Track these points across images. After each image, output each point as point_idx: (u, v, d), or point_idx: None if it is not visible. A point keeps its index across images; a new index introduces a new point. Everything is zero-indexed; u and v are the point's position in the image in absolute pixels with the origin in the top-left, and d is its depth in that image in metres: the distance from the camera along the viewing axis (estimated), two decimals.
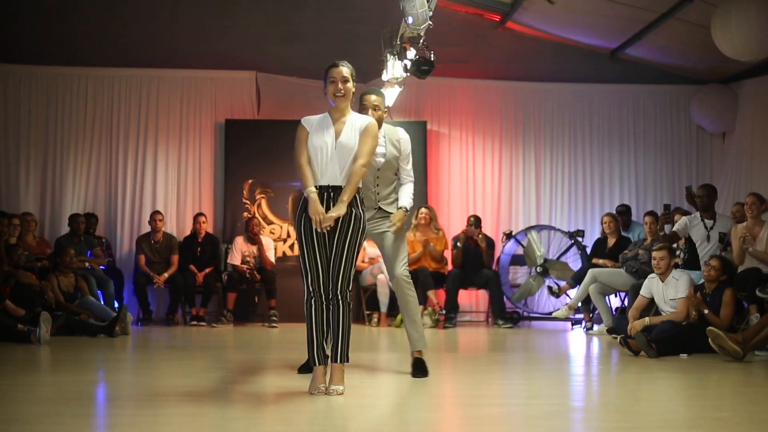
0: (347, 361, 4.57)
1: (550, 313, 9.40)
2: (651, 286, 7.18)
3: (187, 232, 9.82)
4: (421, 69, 7.11)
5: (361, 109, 5.22)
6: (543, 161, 10.47)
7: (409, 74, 7.47)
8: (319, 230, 4.48)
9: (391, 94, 8.90)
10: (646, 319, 6.95)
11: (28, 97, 9.99)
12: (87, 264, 8.97)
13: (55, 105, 10.02)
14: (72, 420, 3.91)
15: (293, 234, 9.93)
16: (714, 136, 10.48)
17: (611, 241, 8.99)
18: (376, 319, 9.26)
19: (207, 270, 9.43)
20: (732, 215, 7.91)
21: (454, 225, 10.13)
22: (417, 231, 9.42)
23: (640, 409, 4.38)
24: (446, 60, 9.01)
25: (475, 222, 9.63)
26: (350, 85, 4.66)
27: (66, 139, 10.01)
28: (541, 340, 8.37)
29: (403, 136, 5.39)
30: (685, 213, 8.38)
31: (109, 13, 10.12)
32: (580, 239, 9.76)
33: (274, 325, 9.04)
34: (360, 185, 4.63)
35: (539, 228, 10.05)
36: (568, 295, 9.24)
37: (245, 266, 9.38)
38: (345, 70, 4.64)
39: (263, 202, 10.00)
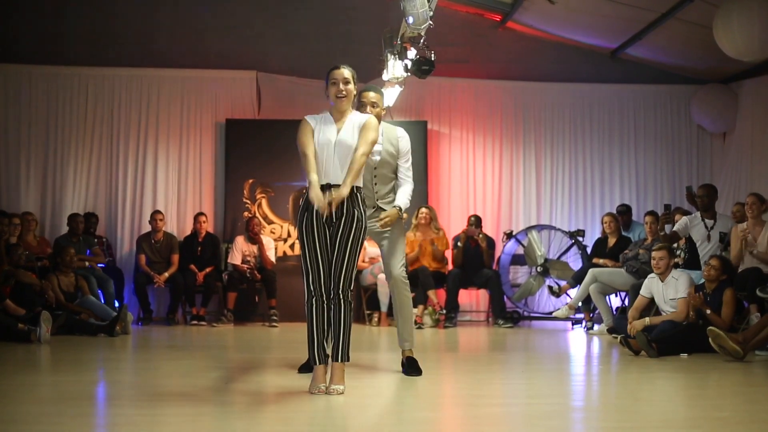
0: (348, 361, 4.58)
1: (551, 313, 9.40)
2: (651, 286, 7.18)
3: (188, 232, 9.82)
4: (421, 69, 7.11)
5: (360, 106, 5.21)
6: (543, 161, 10.48)
7: (409, 74, 7.47)
8: (321, 215, 4.47)
9: (391, 94, 8.90)
10: (647, 319, 6.96)
11: (28, 97, 10.00)
12: (86, 263, 8.97)
13: (55, 105, 10.03)
14: (72, 420, 3.91)
15: (293, 233, 9.93)
16: (714, 136, 10.48)
17: (611, 241, 8.99)
18: (376, 319, 9.26)
19: (207, 269, 9.43)
20: (732, 215, 7.91)
21: (454, 225, 10.14)
22: (417, 231, 9.42)
23: (640, 409, 4.38)
24: (447, 60, 9.02)
25: (476, 222, 9.63)
26: (351, 86, 4.68)
27: (66, 139, 10.02)
28: (541, 339, 8.37)
29: (402, 135, 5.37)
30: (686, 213, 8.38)
31: (108, 12, 10.13)
32: (580, 239, 9.76)
33: (275, 324, 9.04)
34: (360, 184, 4.64)
35: (539, 228, 10.05)
36: (568, 294, 9.24)
37: (245, 266, 9.38)
38: (346, 72, 4.66)
39: (264, 202, 10.00)
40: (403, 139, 5.35)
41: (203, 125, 10.22)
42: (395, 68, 7.63)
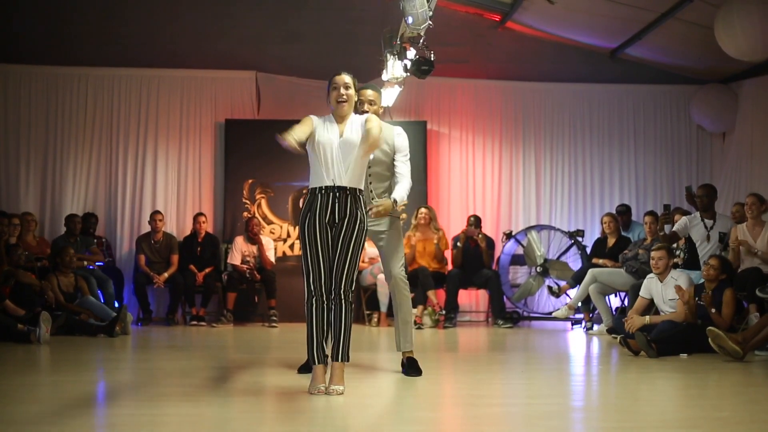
0: (347, 361, 4.58)
1: (550, 313, 9.40)
2: (650, 286, 7.18)
3: (187, 232, 9.82)
4: (421, 69, 7.10)
5: (357, 104, 5.21)
6: (543, 161, 10.48)
7: (409, 74, 7.47)
8: (324, 216, 4.50)
9: (391, 94, 8.90)
10: (647, 317, 6.96)
11: (28, 97, 10.00)
12: (85, 262, 8.97)
13: (55, 105, 10.03)
14: (72, 420, 3.91)
15: (293, 234, 9.93)
16: (714, 136, 10.49)
17: (611, 241, 8.99)
18: (376, 319, 9.26)
19: (207, 270, 9.43)
20: (732, 215, 7.91)
21: (454, 225, 10.14)
22: (417, 231, 9.42)
23: (639, 409, 4.38)
24: (446, 60, 9.02)
25: (475, 222, 9.63)
26: (352, 92, 4.70)
27: (66, 139, 10.02)
28: (541, 340, 8.37)
29: (399, 132, 5.32)
30: (685, 213, 8.38)
31: (109, 13, 10.13)
32: (580, 239, 9.76)
33: (274, 325, 9.04)
34: (362, 186, 4.65)
35: (539, 228, 10.05)
36: (568, 294, 9.24)
37: (245, 266, 9.38)
38: (347, 77, 4.70)
39: (263, 202, 10.00)
40: (400, 136, 5.32)
41: (203, 125, 10.22)
42: (395, 68, 7.63)
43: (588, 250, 9.43)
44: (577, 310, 8.92)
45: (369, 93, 5.28)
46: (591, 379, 5.85)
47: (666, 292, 7.03)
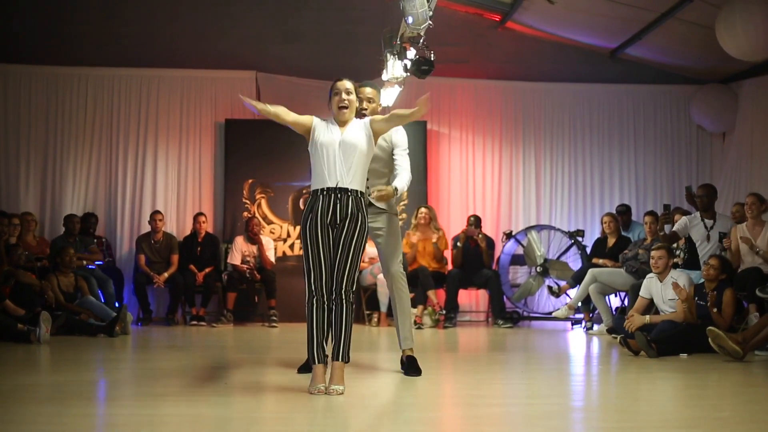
0: (348, 361, 4.59)
1: (550, 313, 9.40)
2: (650, 286, 7.18)
3: (187, 232, 9.82)
4: (421, 69, 7.10)
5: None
6: (543, 161, 10.48)
7: (409, 74, 7.47)
8: (325, 217, 4.53)
9: (391, 94, 8.89)
10: (647, 317, 6.96)
11: (28, 97, 10.00)
12: (84, 261, 8.96)
13: (55, 105, 10.03)
14: (72, 420, 3.91)
15: (293, 234, 9.94)
16: (714, 136, 10.49)
17: (611, 241, 8.99)
18: (376, 319, 9.26)
19: (207, 270, 9.43)
20: (732, 215, 7.91)
21: (454, 225, 10.14)
22: (417, 231, 9.42)
23: (639, 409, 4.38)
24: (446, 60, 9.02)
25: (475, 222, 9.63)
26: (353, 97, 4.74)
27: (66, 139, 10.02)
28: (541, 340, 8.37)
29: (397, 128, 5.31)
30: (685, 213, 8.38)
31: (109, 13, 10.13)
32: (580, 239, 9.76)
33: (274, 324, 9.04)
34: (364, 189, 4.66)
35: (539, 228, 10.05)
36: (568, 294, 9.24)
37: (245, 266, 9.38)
38: (348, 83, 4.74)
39: (263, 202, 10.01)
40: (397, 132, 5.28)
41: (203, 125, 10.23)
42: (395, 68, 7.63)
43: (588, 250, 9.43)
44: (577, 310, 8.92)
45: (367, 90, 5.28)
46: (591, 379, 5.85)
47: (666, 291, 7.03)
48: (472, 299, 10.25)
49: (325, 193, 4.57)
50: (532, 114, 10.53)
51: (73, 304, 8.08)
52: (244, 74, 10.26)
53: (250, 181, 9.99)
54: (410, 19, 6.23)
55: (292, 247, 9.95)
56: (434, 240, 9.39)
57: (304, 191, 9.94)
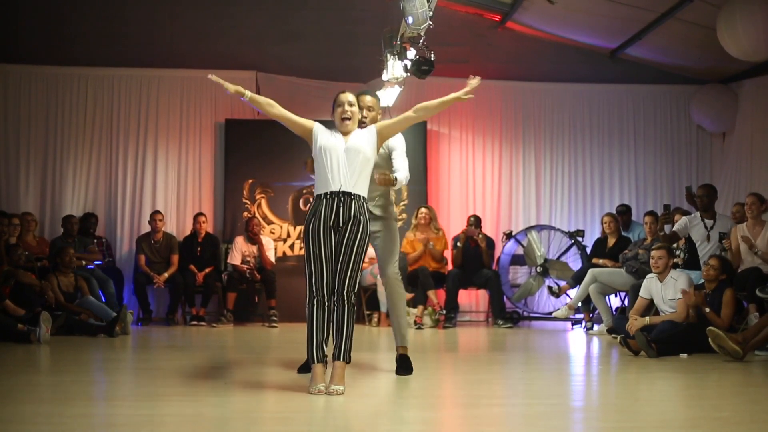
0: (348, 361, 4.61)
1: (550, 313, 9.40)
2: (650, 286, 7.18)
3: (187, 232, 9.82)
4: (421, 69, 7.11)
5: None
6: (543, 161, 10.48)
7: (409, 74, 7.47)
8: (328, 220, 4.58)
9: (391, 94, 8.90)
10: (647, 318, 6.96)
11: (28, 97, 10.00)
12: (83, 261, 8.96)
13: (55, 105, 10.03)
14: (72, 420, 3.91)
15: (293, 234, 9.94)
16: (714, 136, 10.49)
17: (611, 241, 8.99)
18: (376, 319, 9.26)
19: (207, 270, 9.43)
20: (732, 215, 7.91)
21: (454, 225, 10.14)
22: (417, 231, 9.42)
23: (639, 409, 4.38)
24: (446, 60, 8.99)
25: (475, 222, 9.63)
26: (356, 108, 4.81)
27: (66, 139, 10.02)
28: (541, 340, 8.37)
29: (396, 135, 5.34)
30: (685, 213, 8.38)
31: (109, 13, 10.13)
32: (580, 239, 9.76)
33: (274, 325, 9.04)
34: (366, 195, 4.71)
35: (539, 228, 10.05)
36: (568, 295, 9.24)
37: (245, 266, 9.38)
38: (350, 95, 4.82)
39: (263, 202, 10.00)
40: (395, 137, 5.32)
41: (203, 125, 10.23)
42: (395, 68, 7.63)
43: (588, 250, 9.43)
44: (577, 310, 8.92)
45: (368, 99, 5.31)
46: (591, 379, 5.86)
47: (666, 292, 7.03)
48: (472, 299, 10.25)
49: (328, 196, 4.61)
50: (532, 114, 10.53)
51: (73, 304, 8.08)
52: (244, 74, 10.22)
53: (250, 181, 9.99)
54: (410, 19, 6.24)
55: (292, 247, 9.95)
56: (432, 240, 9.38)
57: (304, 191, 9.94)
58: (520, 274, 10.12)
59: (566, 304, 8.90)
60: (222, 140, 10.16)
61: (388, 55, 7.66)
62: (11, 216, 8.61)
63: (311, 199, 9.79)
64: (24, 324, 7.11)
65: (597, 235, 9.57)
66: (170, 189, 10.14)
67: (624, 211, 9.55)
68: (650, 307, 7.21)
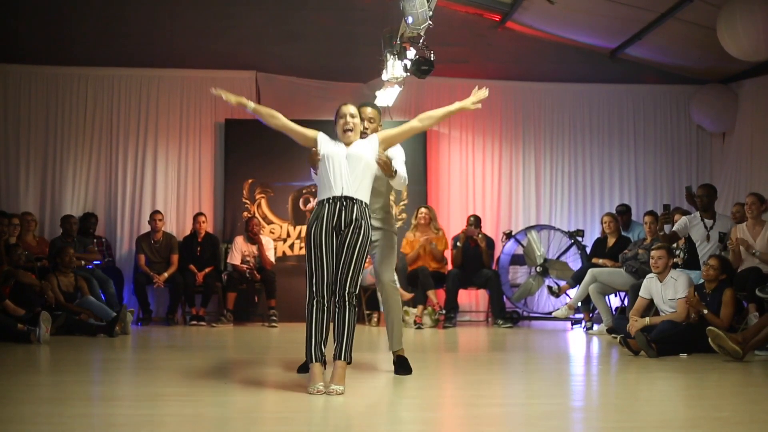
0: (350, 361, 4.63)
1: (550, 313, 9.40)
2: (650, 286, 7.18)
3: (187, 232, 9.82)
4: (421, 69, 7.11)
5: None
6: (543, 161, 10.48)
7: (409, 74, 7.47)
8: (330, 224, 4.64)
9: (390, 94, 8.90)
10: (647, 318, 6.96)
11: (28, 97, 10.00)
12: (83, 261, 8.95)
13: (55, 105, 10.02)
14: (72, 420, 3.91)
15: (293, 234, 9.94)
16: (714, 136, 10.49)
17: (611, 241, 8.98)
18: (376, 319, 9.26)
19: (207, 270, 9.43)
20: (732, 215, 7.90)
21: (454, 225, 10.13)
22: (417, 231, 9.42)
23: (639, 409, 4.39)
24: (446, 60, 9.01)
25: (475, 222, 9.63)
26: (358, 120, 4.88)
27: (66, 139, 10.01)
28: (541, 340, 8.37)
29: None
30: (685, 213, 8.38)
31: (109, 13, 10.12)
32: (579, 239, 9.76)
33: (274, 324, 9.04)
34: (368, 202, 4.78)
35: (539, 228, 10.05)
36: (567, 294, 9.24)
37: (245, 266, 9.38)
38: (352, 108, 4.90)
39: (263, 202, 10.00)
40: (393, 148, 5.35)
41: (203, 125, 10.22)
42: (395, 68, 7.63)
43: (588, 250, 9.42)
44: (577, 310, 8.92)
45: (369, 111, 5.33)
46: (591, 379, 5.86)
47: (666, 292, 7.03)
48: (472, 299, 10.25)
49: (331, 201, 4.68)
50: (532, 114, 10.53)
51: (73, 304, 8.08)
52: (244, 74, 10.26)
53: (250, 181, 9.99)
54: (410, 19, 6.23)
55: (292, 247, 9.95)
56: (432, 241, 9.38)
57: (304, 191, 9.94)
58: (520, 274, 10.12)
59: (566, 304, 8.90)
60: (222, 140, 10.15)
61: (388, 55, 7.66)
62: (11, 216, 8.61)
63: (311, 199, 9.90)
64: (24, 324, 7.11)
65: (597, 234, 9.57)
66: (170, 189, 10.14)
67: (624, 211, 9.55)
68: (650, 307, 7.21)
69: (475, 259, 9.40)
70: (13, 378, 5.25)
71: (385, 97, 8.92)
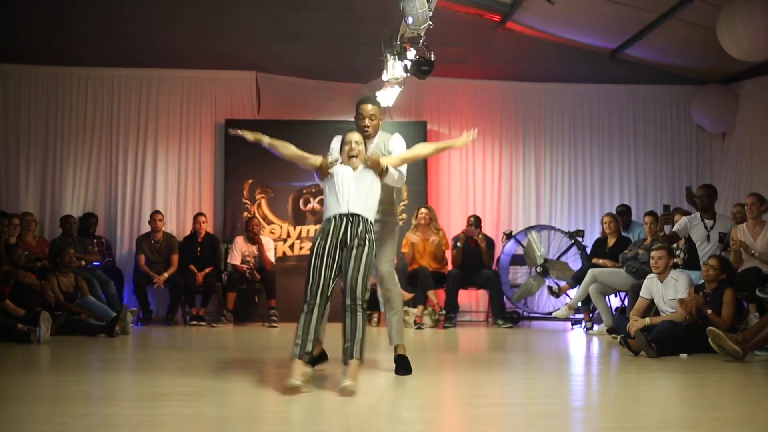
0: (362, 360, 4.73)
1: (550, 313, 9.40)
2: (650, 286, 7.18)
3: (187, 232, 9.82)
4: (421, 69, 7.11)
5: (358, 119, 5.30)
6: (543, 161, 10.48)
7: (409, 74, 7.48)
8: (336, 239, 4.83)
9: (391, 94, 8.90)
10: (647, 319, 6.96)
11: (28, 97, 10.00)
12: (83, 261, 8.96)
13: (55, 105, 10.03)
14: (72, 420, 3.91)
15: (293, 234, 9.94)
16: (714, 136, 10.49)
17: (611, 241, 8.98)
18: (376, 319, 9.25)
19: (207, 270, 9.43)
20: (732, 216, 7.90)
21: (454, 225, 10.14)
22: (417, 231, 9.42)
23: (639, 409, 4.39)
24: (446, 60, 9.01)
25: (475, 222, 9.63)
26: (362, 147, 5.05)
27: (66, 139, 10.02)
28: (541, 340, 8.37)
29: (394, 139, 5.45)
30: (685, 213, 8.38)
31: (109, 13, 10.12)
32: (580, 239, 9.76)
33: (274, 324, 9.04)
34: (373, 220, 4.97)
35: (539, 228, 10.05)
36: (568, 295, 9.24)
37: (245, 266, 9.38)
38: (356, 134, 5.08)
39: (263, 202, 10.00)
40: (393, 142, 5.40)
41: (203, 125, 10.23)
42: (395, 68, 7.64)
43: (588, 250, 9.42)
44: (577, 310, 8.92)
45: (369, 108, 5.35)
46: (591, 379, 5.86)
47: (666, 292, 7.03)
48: (472, 299, 10.25)
49: (337, 218, 4.86)
50: (532, 114, 10.53)
51: (73, 304, 8.08)
52: (244, 74, 10.26)
53: (250, 181, 9.99)
54: (410, 20, 6.24)
55: (292, 247, 9.95)
56: (435, 240, 9.38)
57: (304, 191, 9.94)
58: (520, 274, 10.13)
59: (566, 304, 8.90)
60: (222, 140, 10.16)
61: (388, 55, 7.67)
62: (11, 216, 8.61)
63: (311, 200, 9.91)
64: (24, 324, 7.11)
65: (597, 235, 9.57)
66: (170, 189, 10.14)
67: (624, 211, 9.55)
68: (651, 308, 7.21)
69: (475, 260, 9.40)
70: (13, 378, 5.25)
71: (386, 97, 8.92)
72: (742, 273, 7.11)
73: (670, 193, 10.39)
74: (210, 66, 10.24)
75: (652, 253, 7.20)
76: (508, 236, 9.78)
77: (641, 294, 7.24)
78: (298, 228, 9.96)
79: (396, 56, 7.47)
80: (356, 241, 4.81)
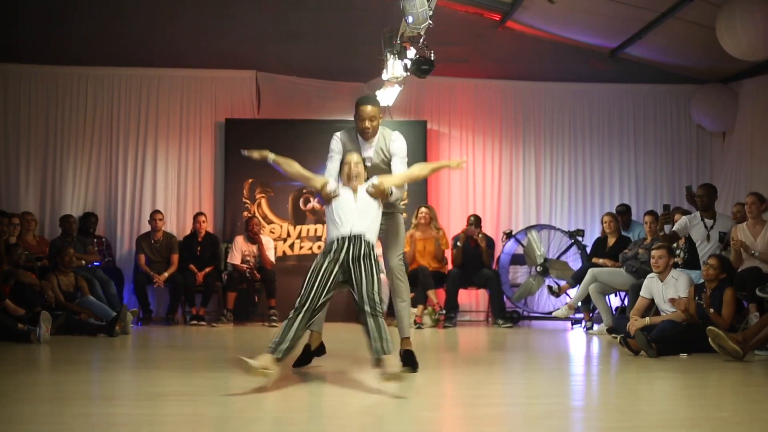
0: (391, 353, 4.73)
1: (550, 313, 9.40)
2: (651, 286, 7.18)
3: (187, 232, 9.82)
4: (421, 68, 7.10)
5: (358, 120, 5.30)
6: (543, 161, 10.48)
7: (409, 74, 7.47)
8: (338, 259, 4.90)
9: (391, 94, 8.90)
10: (647, 318, 6.96)
11: (28, 97, 10.00)
12: (82, 261, 8.96)
13: (55, 105, 10.03)
14: (72, 420, 3.91)
15: (293, 234, 9.94)
16: (714, 136, 10.49)
17: (611, 241, 8.98)
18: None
19: (207, 269, 9.43)
20: (732, 215, 7.90)
21: (454, 225, 10.13)
22: (417, 231, 9.42)
23: (639, 409, 4.39)
24: (446, 59, 9.00)
25: (475, 221, 9.63)
26: (362, 167, 5.13)
27: (66, 139, 10.02)
28: (541, 339, 8.37)
29: (395, 138, 5.47)
30: (685, 213, 8.38)
31: (109, 12, 10.12)
32: (580, 239, 9.76)
33: (274, 324, 9.03)
34: (374, 242, 5.02)
35: (539, 227, 10.05)
36: (568, 294, 9.24)
37: (245, 266, 9.38)
38: (356, 155, 5.15)
39: (263, 202, 10.00)
40: (394, 142, 5.42)
41: (203, 125, 10.23)
42: (395, 68, 7.63)
43: (588, 250, 9.42)
44: (577, 310, 8.92)
45: (369, 109, 5.37)
46: (591, 378, 5.86)
47: (666, 291, 7.03)
48: (472, 299, 10.25)
49: (340, 239, 4.92)
50: (532, 114, 10.53)
51: (73, 304, 8.08)
52: (244, 74, 10.26)
53: (250, 180, 9.99)
54: (410, 19, 6.23)
55: (292, 246, 9.95)
56: (435, 239, 9.38)
57: (304, 191, 9.94)
58: (520, 274, 10.13)
59: (566, 303, 8.90)
60: (222, 140, 10.16)
61: (388, 54, 7.66)
62: (11, 216, 8.61)
63: (311, 199, 9.90)
64: (24, 323, 7.11)
65: (597, 234, 9.57)
66: (170, 189, 10.14)
67: (624, 210, 9.55)
68: (651, 307, 7.21)
69: (475, 259, 9.40)
70: (13, 378, 5.25)
71: (386, 96, 8.92)
72: (742, 272, 7.11)
73: (670, 192, 10.39)
74: (210, 65, 10.24)
75: (653, 253, 7.20)
76: (508, 236, 9.78)
77: (641, 293, 7.24)
78: (298, 227, 9.96)
79: (396, 55, 7.46)
80: (360, 258, 4.87)
